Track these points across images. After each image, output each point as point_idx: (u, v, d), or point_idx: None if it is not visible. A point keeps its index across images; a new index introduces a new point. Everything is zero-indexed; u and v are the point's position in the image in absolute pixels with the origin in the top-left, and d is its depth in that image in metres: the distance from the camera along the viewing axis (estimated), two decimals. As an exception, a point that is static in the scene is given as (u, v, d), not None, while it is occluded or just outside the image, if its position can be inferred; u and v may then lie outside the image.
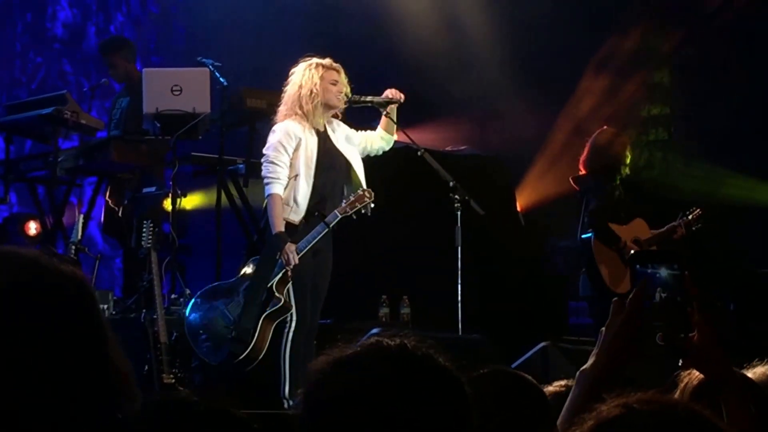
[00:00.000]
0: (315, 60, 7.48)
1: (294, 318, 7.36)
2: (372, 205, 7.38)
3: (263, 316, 7.41)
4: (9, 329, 1.80)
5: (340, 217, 7.30)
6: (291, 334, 7.35)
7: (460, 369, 1.98)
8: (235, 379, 7.78)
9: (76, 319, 1.86)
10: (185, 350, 7.86)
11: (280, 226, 7.30)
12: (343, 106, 7.53)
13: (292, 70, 7.49)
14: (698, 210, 8.78)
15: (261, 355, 7.44)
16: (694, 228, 8.74)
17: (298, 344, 7.33)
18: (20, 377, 1.78)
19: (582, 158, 8.78)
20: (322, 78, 7.39)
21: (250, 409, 6.79)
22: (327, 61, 7.49)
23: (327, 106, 7.45)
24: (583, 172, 8.74)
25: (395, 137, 7.73)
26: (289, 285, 7.37)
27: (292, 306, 7.37)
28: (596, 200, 8.57)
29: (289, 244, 7.27)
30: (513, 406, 2.92)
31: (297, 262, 7.27)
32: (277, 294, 7.38)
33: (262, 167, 7.43)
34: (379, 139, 7.71)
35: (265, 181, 7.38)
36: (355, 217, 7.33)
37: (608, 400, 1.79)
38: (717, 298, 9.89)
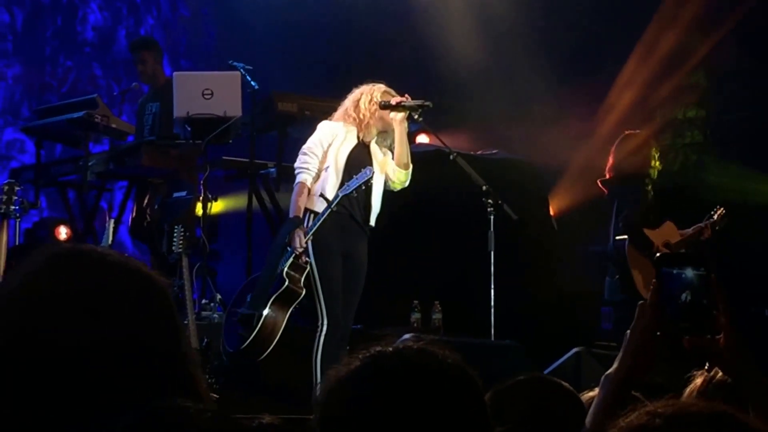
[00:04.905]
0: (378, 84, 7.59)
1: (325, 322, 7.33)
2: (372, 182, 7.39)
3: (270, 300, 7.41)
4: (100, 332, 1.81)
5: (340, 196, 7.32)
6: (322, 339, 7.33)
7: (474, 369, 1.97)
8: (264, 384, 7.74)
9: (161, 319, 1.90)
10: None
11: (297, 212, 7.38)
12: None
13: (354, 89, 7.60)
14: (721, 209, 8.77)
15: (271, 345, 7.42)
16: (717, 228, 8.73)
17: (330, 349, 7.28)
18: (111, 380, 1.79)
19: (609, 164, 8.86)
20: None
21: (282, 415, 6.75)
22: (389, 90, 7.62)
23: (384, 122, 7.48)
24: (608, 176, 8.81)
25: (409, 173, 7.63)
26: (319, 288, 7.34)
27: (301, 290, 7.39)
28: (629, 206, 8.60)
29: (298, 228, 7.31)
30: (551, 413, 2.98)
31: (304, 246, 7.30)
32: (284, 277, 7.38)
33: (298, 158, 7.50)
34: (393, 174, 7.61)
35: (296, 171, 7.49)
36: (355, 194, 7.33)
37: (637, 409, 1.78)
38: (751, 303, 9.78)
